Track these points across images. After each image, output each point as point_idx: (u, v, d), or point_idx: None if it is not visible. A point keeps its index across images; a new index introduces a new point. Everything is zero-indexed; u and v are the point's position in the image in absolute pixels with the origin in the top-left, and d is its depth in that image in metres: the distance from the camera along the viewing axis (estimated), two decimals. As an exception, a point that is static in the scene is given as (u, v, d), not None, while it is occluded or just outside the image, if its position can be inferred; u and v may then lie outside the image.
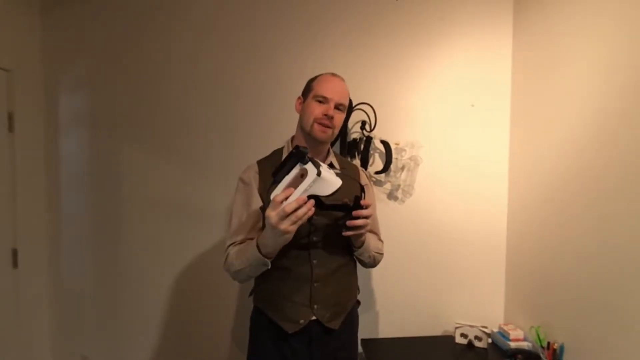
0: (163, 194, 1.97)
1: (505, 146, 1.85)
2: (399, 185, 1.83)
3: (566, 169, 1.45)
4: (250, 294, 1.29)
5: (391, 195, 1.85)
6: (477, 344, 1.69)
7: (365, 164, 1.76)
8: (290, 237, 0.97)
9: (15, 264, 1.94)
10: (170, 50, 1.93)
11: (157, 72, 1.95)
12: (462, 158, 1.84)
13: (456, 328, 1.73)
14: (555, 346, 1.46)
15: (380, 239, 1.39)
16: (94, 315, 2.08)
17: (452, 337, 1.76)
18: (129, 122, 1.98)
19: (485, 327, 1.70)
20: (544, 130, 1.59)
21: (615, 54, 1.24)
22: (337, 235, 1.11)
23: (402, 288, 1.87)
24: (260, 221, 1.19)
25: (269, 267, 1.08)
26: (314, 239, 1.17)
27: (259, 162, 1.26)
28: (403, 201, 1.86)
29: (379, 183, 1.84)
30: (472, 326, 1.71)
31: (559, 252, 1.50)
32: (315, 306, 1.17)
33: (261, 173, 1.22)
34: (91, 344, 2.10)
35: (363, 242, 1.20)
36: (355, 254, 1.25)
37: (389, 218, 1.84)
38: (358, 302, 1.37)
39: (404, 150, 1.80)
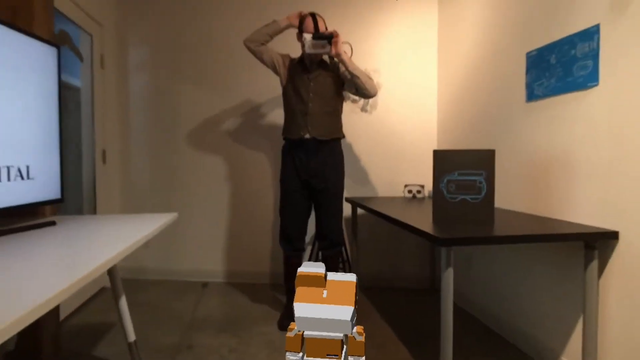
0: (211, 122, 2.89)
1: (434, 71, 2.88)
2: (367, 102, 2.83)
3: (465, 77, 2.50)
4: (282, 134, 2.22)
5: (364, 109, 2.84)
6: (417, 195, 2.70)
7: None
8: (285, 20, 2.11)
9: (104, 160, 2.78)
10: (219, 9, 2.85)
11: (207, 27, 2.87)
12: (409, 81, 2.86)
13: (405, 186, 2.73)
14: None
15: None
16: (152, 207, 2.95)
17: (402, 196, 2.76)
18: (183, 67, 2.89)
19: (423, 185, 2.71)
20: (454, 57, 2.63)
21: (482, 21, 2.30)
22: (328, 93, 2.10)
23: (373, 166, 2.87)
24: (273, 62, 2.16)
25: (275, 21, 2.12)
26: (311, 95, 2.08)
27: (292, 59, 2.20)
28: (370, 113, 2.85)
29: (355, 100, 2.83)
30: (414, 184, 2.72)
31: (462, 127, 2.53)
32: (309, 127, 2.08)
33: (290, 62, 2.17)
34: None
35: (351, 69, 2.02)
36: (349, 74, 2.04)
37: (361, 123, 2.84)
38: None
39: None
